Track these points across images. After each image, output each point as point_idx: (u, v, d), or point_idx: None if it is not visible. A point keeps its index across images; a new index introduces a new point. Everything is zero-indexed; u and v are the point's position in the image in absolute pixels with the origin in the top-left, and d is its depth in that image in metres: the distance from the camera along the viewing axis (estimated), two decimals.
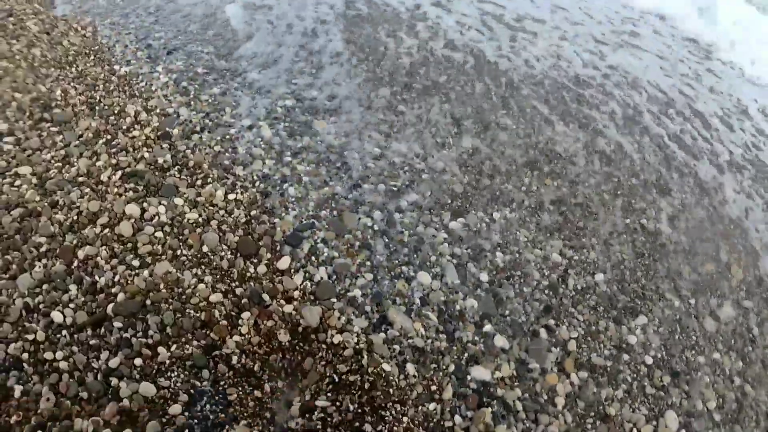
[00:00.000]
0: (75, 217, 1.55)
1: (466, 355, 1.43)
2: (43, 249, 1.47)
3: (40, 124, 1.88)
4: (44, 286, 1.38)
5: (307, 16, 2.88)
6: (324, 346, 1.31)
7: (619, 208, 2.27)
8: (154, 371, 1.22)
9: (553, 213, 2.08)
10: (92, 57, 2.26)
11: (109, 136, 1.83)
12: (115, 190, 1.63)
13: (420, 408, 1.25)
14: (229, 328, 1.31)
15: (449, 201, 1.88)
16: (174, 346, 1.26)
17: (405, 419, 1.21)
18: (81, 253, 1.46)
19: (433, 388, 1.31)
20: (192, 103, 1.96)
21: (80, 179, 1.67)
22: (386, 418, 1.20)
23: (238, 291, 1.38)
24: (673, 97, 3.19)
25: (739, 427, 1.60)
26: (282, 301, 1.39)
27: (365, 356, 1.29)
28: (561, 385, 1.46)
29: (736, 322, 1.96)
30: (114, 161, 1.73)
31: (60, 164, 1.72)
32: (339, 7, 3.03)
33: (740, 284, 2.12)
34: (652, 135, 2.94)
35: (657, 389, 1.60)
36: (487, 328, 1.50)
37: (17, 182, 1.62)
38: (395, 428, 1.19)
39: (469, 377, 1.39)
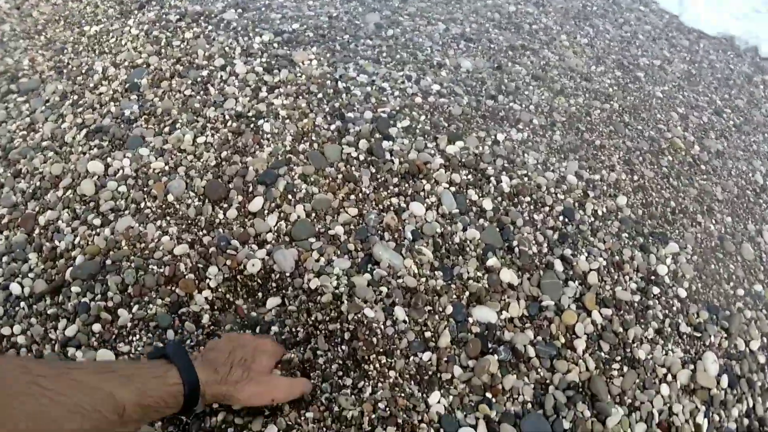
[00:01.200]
0: (38, 183, 1.43)
1: (466, 294, 1.20)
2: (4, 221, 1.35)
3: (6, 96, 1.76)
4: (4, 258, 1.27)
5: None
6: (300, 292, 1.14)
7: (643, 122, 2.03)
8: (114, 336, 1.07)
9: (568, 132, 1.84)
10: (62, 23, 2.12)
11: (75, 97, 1.69)
12: (80, 149, 1.49)
13: (411, 359, 1.05)
14: (197, 282, 1.15)
15: (446, 125, 1.66)
16: (136, 306, 1.11)
17: (392, 373, 1.02)
18: (42, 219, 1.33)
19: (428, 334, 1.10)
20: (163, 51, 1.80)
21: (44, 144, 1.54)
22: (369, 372, 1.01)
23: (206, 240, 1.22)
24: None
25: None
26: (254, 246, 1.22)
27: (344, 301, 1.10)
28: (581, 324, 1.22)
29: None
30: (79, 120, 1.59)
31: (24, 132, 1.59)
32: None
33: None
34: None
35: (693, 327, 1.33)
36: (492, 261, 1.26)
37: None
38: (380, 384, 1.00)
39: (470, 320, 1.16)
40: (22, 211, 1.37)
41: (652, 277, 1.42)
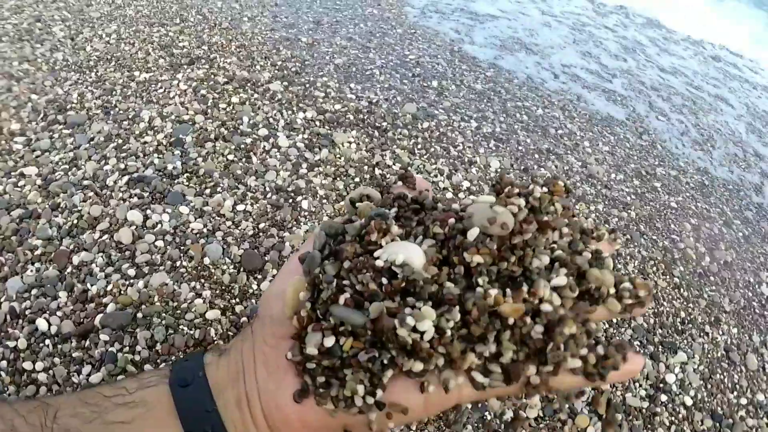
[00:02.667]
0: (75, 221, 1.50)
1: None
2: (38, 252, 1.42)
3: (53, 126, 1.85)
4: (33, 291, 1.33)
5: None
6: None
7: (658, 232, 2.16)
8: None
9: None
10: (113, 63, 2.24)
11: (120, 141, 1.78)
12: (120, 195, 1.58)
13: None
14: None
15: None
16: (163, 364, 1.17)
17: None
18: (76, 259, 1.40)
19: None
20: (209, 111, 1.91)
21: (85, 182, 1.62)
22: None
23: (238, 309, 1.29)
24: None
25: None
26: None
27: None
28: (592, 428, 1.33)
29: None
30: (122, 165, 1.68)
31: (67, 167, 1.68)
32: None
33: None
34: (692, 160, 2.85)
35: None
36: None
37: (21, 182, 1.59)
38: None
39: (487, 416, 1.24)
40: (56, 246, 1.43)
41: (661, 385, 1.54)
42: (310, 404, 0.40)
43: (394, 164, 1.89)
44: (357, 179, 1.75)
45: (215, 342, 1.23)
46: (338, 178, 1.73)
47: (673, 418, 1.47)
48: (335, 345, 0.38)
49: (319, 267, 0.41)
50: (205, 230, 1.47)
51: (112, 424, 0.39)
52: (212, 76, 2.15)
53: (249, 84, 2.14)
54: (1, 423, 0.39)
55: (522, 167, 2.22)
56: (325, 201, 1.63)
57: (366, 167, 1.82)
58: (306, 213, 1.58)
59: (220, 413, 0.41)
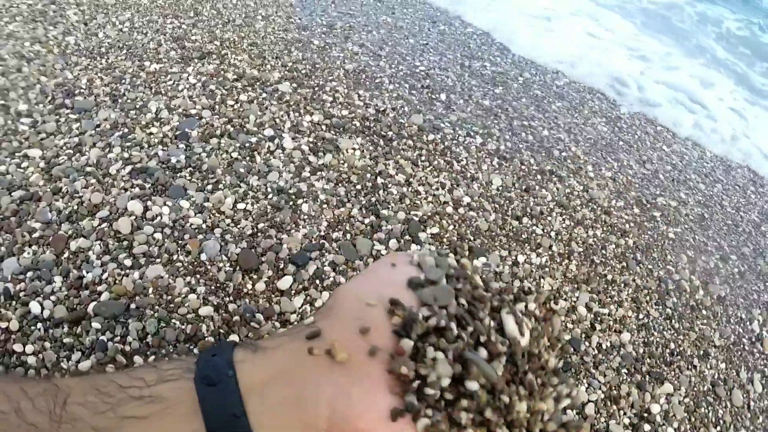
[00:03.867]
0: (75, 207, 1.52)
1: None
2: (36, 235, 1.43)
3: (60, 109, 1.87)
4: (29, 274, 1.34)
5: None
6: None
7: (654, 262, 2.18)
8: None
9: (583, 263, 1.98)
10: (124, 51, 2.26)
11: (126, 130, 1.80)
12: (122, 184, 1.59)
13: None
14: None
15: (471, 238, 1.80)
16: (152, 357, 1.19)
17: None
18: (74, 245, 1.41)
19: None
20: (216, 107, 1.93)
21: (88, 169, 1.64)
22: None
23: (231, 307, 1.31)
24: None
25: None
26: (277, 324, 1.30)
27: None
28: None
29: (765, 399, 1.84)
30: (126, 155, 1.70)
31: (71, 151, 1.69)
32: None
33: None
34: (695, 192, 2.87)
35: None
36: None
37: (24, 164, 1.60)
38: None
39: None
40: (54, 231, 1.45)
41: (645, 414, 1.57)
42: (405, 425, 0.36)
43: (396, 174, 1.91)
44: (359, 186, 1.77)
45: (206, 338, 1.24)
46: (340, 184, 1.75)
47: None
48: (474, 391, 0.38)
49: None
50: (204, 226, 1.49)
51: (125, 419, 0.36)
52: (222, 72, 2.18)
53: (258, 83, 2.16)
54: (5, 403, 0.37)
55: (524, 187, 2.24)
56: (325, 206, 1.65)
57: (369, 175, 1.84)
58: (305, 216, 1.60)
59: (250, 418, 0.37)
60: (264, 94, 2.09)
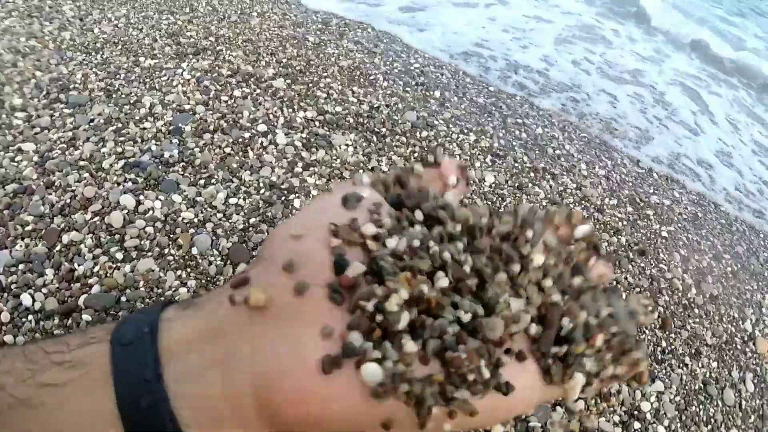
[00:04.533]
0: (68, 201, 1.53)
1: None
2: (28, 228, 1.44)
3: (54, 104, 1.88)
4: (21, 266, 1.35)
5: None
6: None
7: (646, 260, 2.19)
8: None
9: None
10: (119, 46, 2.27)
11: (119, 124, 1.81)
12: (114, 178, 1.60)
13: None
14: None
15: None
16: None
17: None
18: (66, 238, 1.42)
19: None
20: (210, 102, 1.95)
21: (81, 163, 1.65)
22: None
23: None
24: None
25: None
26: None
27: None
28: None
29: (757, 399, 1.85)
30: (119, 149, 1.71)
31: (65, 146, 1.70)
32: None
33: (763, 359, 2.02)
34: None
35: None
36: None
37: (18, 157, 1.61)
38: None
39: None
40: (47, 224, 1.46)
41: (635, 413, 1.58)
42: (344, 378, 0.29)
43: (389, 170, 1.92)
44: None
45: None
46: (332, 180, 1.76)
47: None
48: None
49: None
50: (195, 220, 1.50)
51: (43, 387, 0.31)
52: (216, 68, 2.19)
53: (252, 79, 2.17)
54: None
55: (516, 184, 2.25)
56: None
57: (361, 171, 1.85)
58: (297, 212, 1.61)
59: (168, 384, 0.30)
60: (258, 90, 2.10)
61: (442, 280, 0.31)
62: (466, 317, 0.30)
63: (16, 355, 0.33)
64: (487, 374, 0.29)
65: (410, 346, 0.29)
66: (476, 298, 0.32)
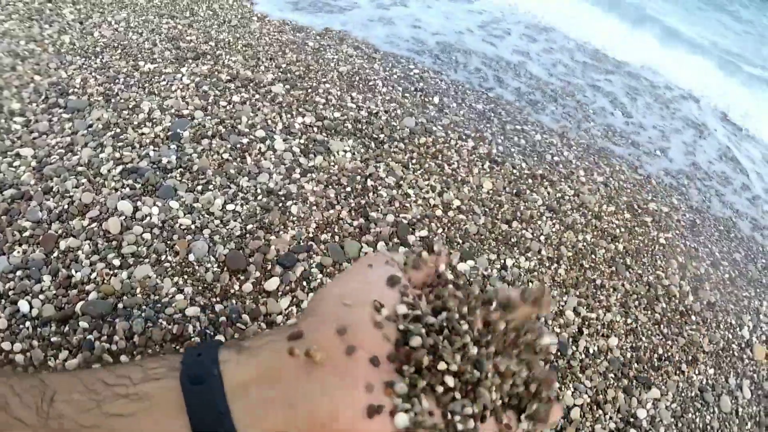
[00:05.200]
0: (65, 206, 1.53)
1: None
2: (26, 234, 1.44)
3: (53, 108, 1.88)
4: (18, 273, 1.35)
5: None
6: None
7: (644, 267, 2.19)
8: None
9: (572, 267, 1.99)
10: (119, 50, 2.27)
11: (118, 129, 1.81)
12: (112, 184, 1.60)
13: None
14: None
15: (460, 241, 1.81)
16: (138, 357, 1.20)
17: None
18: (63, 244, 1.42)
19: None
20: (209, 107, 1.94)
21: (79, 168, 1.65)
22: None
23: (218, 308, 1.32)
24: None
25: None
26: (263, 325, 1.31)
27: None
28: None
29: (754, 405, 1.86)
30: (117, 155, 1.71)
31: (63, 151, 1.70)
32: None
33: (760, 366, 2.02)
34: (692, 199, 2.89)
35: None
36: None
37: (16, 163, 1.61)
38: None
39: None
40: (44, 230, 1.46)
41: (631, 419, 1.58)
42: (382, 421, 0.37)
43: (387, 177, 1.92)
44: (348, 188, 1.79)
45: (192, 338, 1.25)
46: (330, 186, 1.77)
47: None
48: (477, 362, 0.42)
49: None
50: (193, 227, 1.50)
51: (111, 417, 0.37)
52: (216, 73, 2.19)
53: (251, 84, 2.17)
54: None
55: (514, 191, 2.25)
56: (315, 208, 1.66)
57: (359, 177, 1.86)
58: (294, 218, 1.61)
59: (234, 417, 0.37)
60: (257, 96, 2.10)
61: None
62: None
63: (73, 385, 0.38)
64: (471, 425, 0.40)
65: (425, 404, 0.40)
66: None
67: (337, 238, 1.60)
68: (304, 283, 1.44)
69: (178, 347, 1.23)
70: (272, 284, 1.41)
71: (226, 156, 1.76)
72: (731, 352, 2.02)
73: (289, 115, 2.04)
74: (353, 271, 0.48)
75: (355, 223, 1.67)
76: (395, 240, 1.67)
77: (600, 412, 1.56)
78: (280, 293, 1.41)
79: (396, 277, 0.45)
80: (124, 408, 0.37)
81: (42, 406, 0.37)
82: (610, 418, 1.56)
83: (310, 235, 1.57)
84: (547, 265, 1.94)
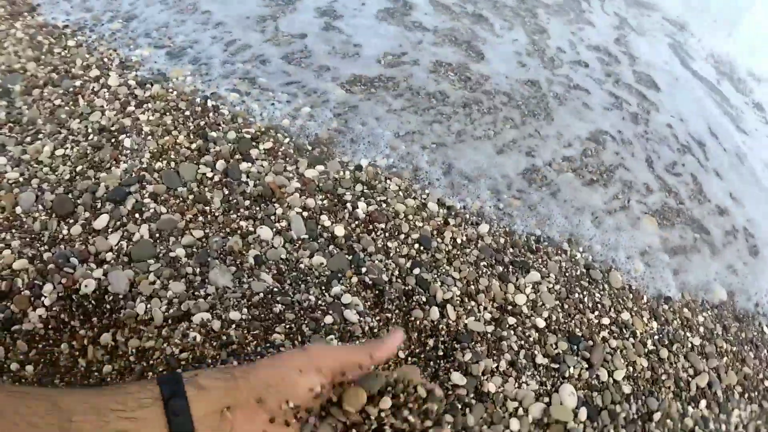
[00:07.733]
0: None
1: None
2: None
3: None
4: None
5: None
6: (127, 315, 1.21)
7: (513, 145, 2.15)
8: None
9: (435, 156, 1.95)
10: None
11: None
12: None
13: None
14: (32, 299, 1.21)
15: (310, 148, 1.77)
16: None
17: None
18: None
19: None
20: (42, 57, 1.85)
21: None
22: None
23: (46, 256, 1.29)
24: None
25: (654, 399, 1.41)
26: (93, 265, 1.29)
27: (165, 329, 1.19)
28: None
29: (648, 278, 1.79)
30: None
31: None
32: None
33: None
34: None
35: (550, 359, 1.40)
36: (336, 289, 1.35)
37: None
38: None
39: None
40: None
41: (509, 307, 1.49)
42: None
43: (229, 95, 1.87)
44: (187, 112, 1.73)
45: (21, 292, 1.21)
46: (167, 113, 1.71)
47: (522, 342, 1.41)
48: None
49: None
50: (21, 179, 1.45)
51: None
52: (52, 21, 2.06)
53: (88, 26, 2.06)
54: (21, 422, 0.50)
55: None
56: (150, 137, 1.61)
57: (198, 99, 1.80)
58: (127, 151, 1.56)
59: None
60: (93, 36, 2.00)
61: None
62: None
63: (86, 412, 0.53)
64: None
65: None
66: None
67: (173, 164, 1.56)
68: (137, 216, 1.41)
69: (8, 304, 1.18)
70: (101, 222, 1.38)
71: (57, 102, 1.70)
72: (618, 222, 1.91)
73: (126, 50, 1.95)
74: (291, 364, 0.64)
75: (193, 145, 1.63)
76: (237, 156, 1.63)
77: (473, 303, 1.46)
78: (109, 230, 1.37)
79: (317, 391, 0.63)
80: (125, 426, 0.54)
81: (63, 425, 0.51)
82: (485, 308, 1.45)
83: (144, 165, 1.53)
84: (408, 159, 1.87)
